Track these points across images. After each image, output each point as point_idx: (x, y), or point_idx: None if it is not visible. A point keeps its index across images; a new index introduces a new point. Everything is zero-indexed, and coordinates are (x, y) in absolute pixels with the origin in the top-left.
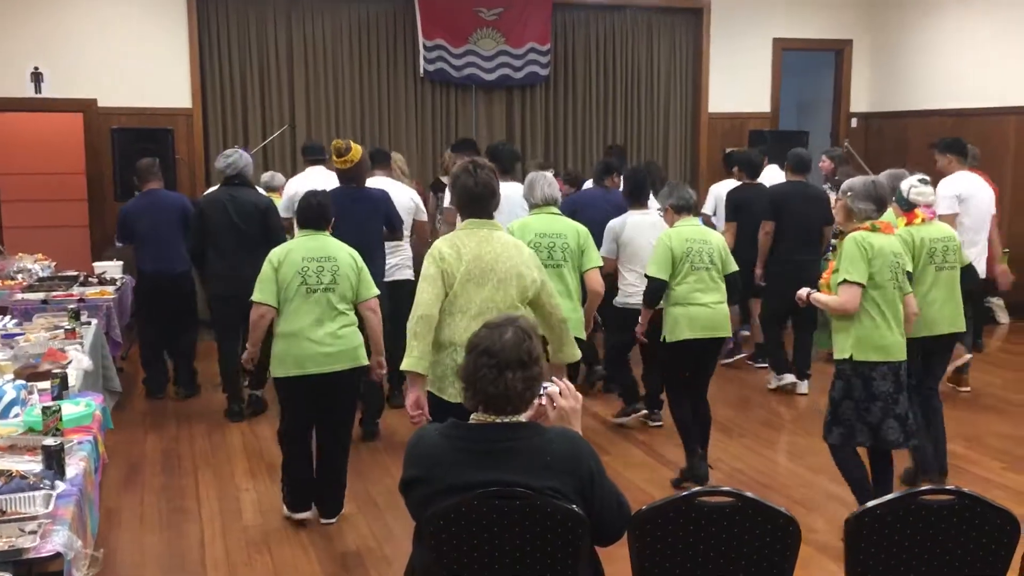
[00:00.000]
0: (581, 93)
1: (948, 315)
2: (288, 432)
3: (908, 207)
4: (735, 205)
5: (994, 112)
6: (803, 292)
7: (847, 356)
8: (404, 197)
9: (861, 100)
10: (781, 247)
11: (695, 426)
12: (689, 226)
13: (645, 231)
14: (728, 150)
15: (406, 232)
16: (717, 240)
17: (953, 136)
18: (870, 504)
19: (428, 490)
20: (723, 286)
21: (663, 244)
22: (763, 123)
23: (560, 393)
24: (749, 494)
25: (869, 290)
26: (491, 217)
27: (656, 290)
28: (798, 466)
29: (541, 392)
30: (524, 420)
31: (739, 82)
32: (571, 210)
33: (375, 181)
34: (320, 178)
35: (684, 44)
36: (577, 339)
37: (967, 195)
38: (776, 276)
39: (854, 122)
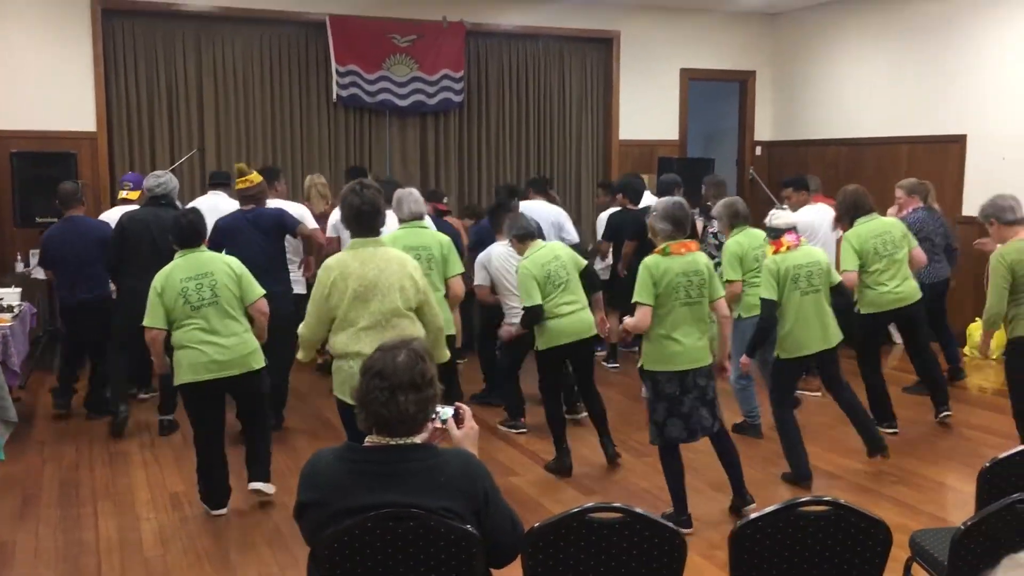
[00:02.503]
0: (495, 119)
1: (817, 335)
2: (198, 437)
3: (775, 235)
4: (616, 227)
5: (887, 141)
6: (624, 326)
7: (640, 365)
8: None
9: (765, 129)
10: None
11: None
12: (538, 251)
13: (509, 265)
14: (602, 180)
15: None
16: (564, 252)
17: (849, 163)
18: (753, 516)
19: (323, 513)
20: (583, 294)
21: (527, 274)
22: (672, 150)
23: (457, 417)
24: (639, 509)
25: (656, 309)
26: (377, 234)
27: (535, 315)
28: (695, 480)
29: (434, 415)
30: (419, 442)
31: (648, 110)
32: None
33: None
34: (215, 201)
35: (595, 72)
36: (450, 336)
37: (807, 225)
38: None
39: (758, 150)
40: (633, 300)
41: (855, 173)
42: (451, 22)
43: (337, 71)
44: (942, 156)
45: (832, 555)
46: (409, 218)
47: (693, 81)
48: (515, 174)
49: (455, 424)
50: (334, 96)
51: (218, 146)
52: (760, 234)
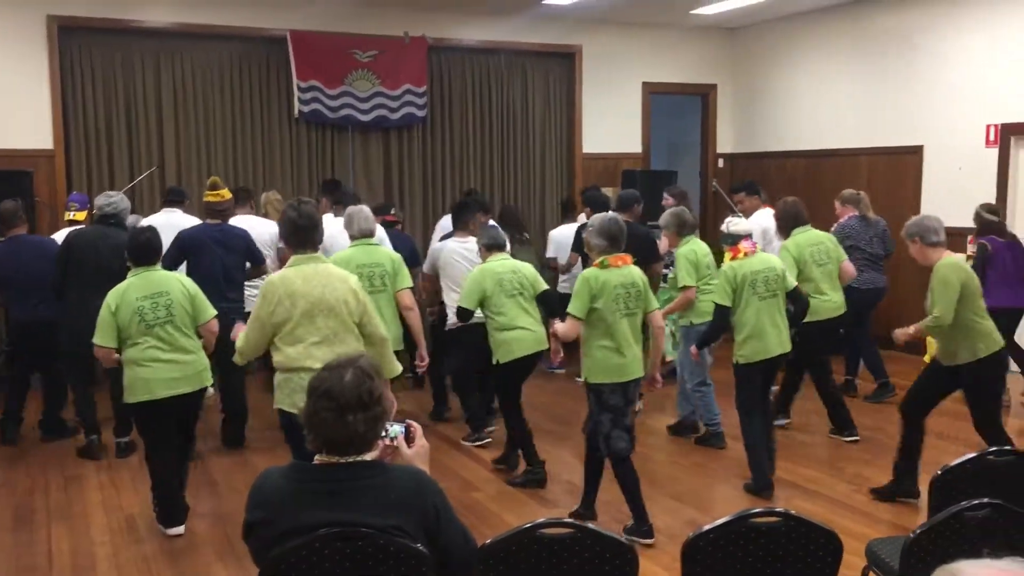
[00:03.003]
0: (458, 134)
1: (775, 339)
2: (150, 454)
3: (732, 242)
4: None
5: (846, 153)
6: (554, 330)
7: (584, 379)
8: (266, 233)
9: (727, 141)
10: None
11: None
12: (499, 261)
13: (459, 257)
14: (563, 198)
15: (271, 264)
16: (527, 271)
17: (809, 174)
18: (705, 527)
19: (271, 533)
20: (535, 310)
21: (476, 281)
22: (635, 163)
23: (407, 435)
24: (589, 524)
25: (597, 322)
26: (316, 249)
27: (463, 316)
28: (658, 493)
29: (384, 432)
30: (369, 460)
31: (611, 124)
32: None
33: (239, 220)
34: (169, 218)
35: (558, 86)
36: (397, 351)
37: (764, 229)
38: None
39: (721, 162)
40: (568, 310)
41: (815, 184)
42: (412, 37)
43: (298, 87)
44: (900, 167)
45: (784, 566)
46: (359, 236)
47: (655, 95)
48: (479, 189)
49: (405, 441)
50: (296, 112)
51: (178, 163)
52: (704, 244)
